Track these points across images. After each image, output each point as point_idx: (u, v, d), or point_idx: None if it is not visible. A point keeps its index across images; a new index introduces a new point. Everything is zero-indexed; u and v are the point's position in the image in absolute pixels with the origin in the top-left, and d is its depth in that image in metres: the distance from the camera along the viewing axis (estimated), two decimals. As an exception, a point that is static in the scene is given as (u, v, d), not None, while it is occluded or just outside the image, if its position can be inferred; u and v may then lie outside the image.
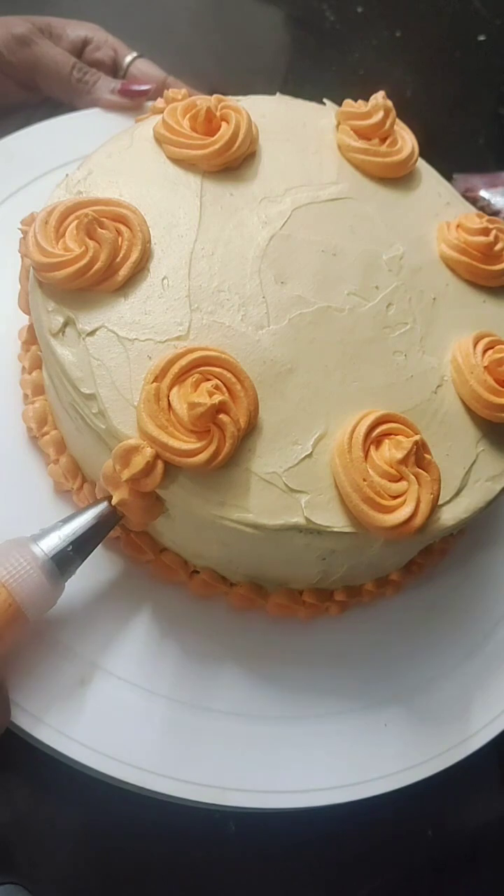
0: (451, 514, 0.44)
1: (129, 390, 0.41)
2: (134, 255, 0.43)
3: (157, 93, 0.62)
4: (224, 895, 0.47)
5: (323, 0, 0.95)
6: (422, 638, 0.51)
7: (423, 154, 0.56)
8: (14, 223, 0.47)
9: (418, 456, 0.42)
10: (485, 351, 0.47)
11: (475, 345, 0.47)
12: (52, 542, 0.40)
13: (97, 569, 0.45)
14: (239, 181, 0.50)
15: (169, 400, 0.40)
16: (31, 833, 0.45)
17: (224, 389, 0.40)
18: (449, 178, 0.60)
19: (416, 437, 0.42)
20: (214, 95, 0.52)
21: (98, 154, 0.49)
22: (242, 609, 0.47)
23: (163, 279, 0.45)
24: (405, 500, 0.41)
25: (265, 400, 0.42)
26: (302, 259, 0.48)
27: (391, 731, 0.47)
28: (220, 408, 0.39)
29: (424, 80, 0.91)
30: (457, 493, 0.44)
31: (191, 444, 0.39)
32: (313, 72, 0.89)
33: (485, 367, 0.47)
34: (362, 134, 0.55)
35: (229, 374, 0.41)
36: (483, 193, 0.78)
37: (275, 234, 0.48)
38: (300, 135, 0.55)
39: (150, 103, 0.62)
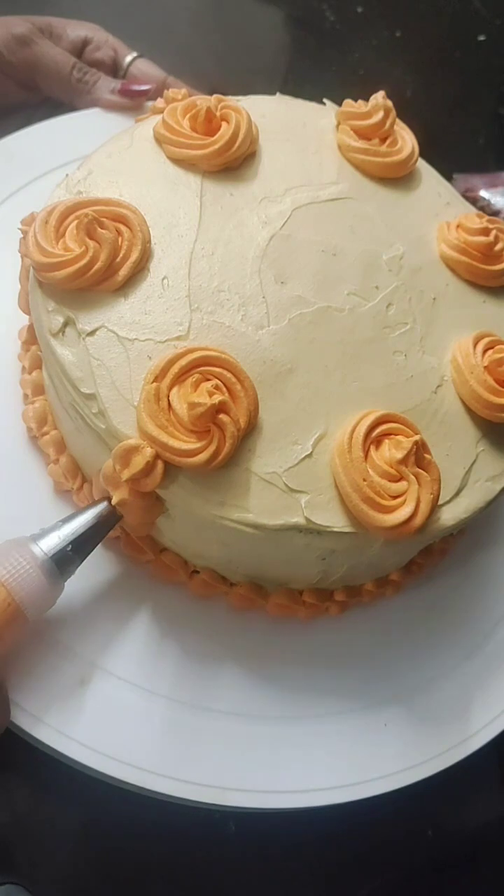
0: (451, 514, 0.44)
1: (129, 390, 0.41)
2: (134, 255, 0.43)
3: (157, 93, 0.62)
4: (224, 895, 0.47)
5: (323, 0, 0.95)
6: (422, 638, 0.51)
7: (423, 154, 0.56)
8: (14, 223, 0.47)
9: (418, 456, 0.42)
10: (485, 351, 0.47)
11: (475, 345, 0.47)
12: (52, 541, 0.40)
13: (97, 569, 0.45)
14: (239, 181, 0.50)
15: (169, 400, 0.40)
16: (31, 833, 0.45)
17: (224, 389, 0.40)
18: (449, 178, 0.60)
19: (416, 437, 0.42)
20: (214, 95, 0.52)
21: (98, 154, 0.49)
22: (242, 609, 0.47)
23: (163, 279, 0.45)
24: (405, 500, 0.41)
25: (265, 400, 0.42)
26: (302, 259, 0.48)
27: (391, 731, 0.47)
28: (220, 408, 0.39)
29: (424, 80, 0.91)
30: (457, 493, 0.44)
31: (191, 444, 0.39)
32: (313, 72, 0.89)
33: (485, 367, 0.47)
34: (362, 134, 0.55)
35: (229, 374, 0.41)
36: (483, 193, 0.78)
37: (275, 234, 0.48)
38: (300, 135, 0.55)
39: (150, 103, 0.62)
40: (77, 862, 0.46)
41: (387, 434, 0.43)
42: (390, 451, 0.42)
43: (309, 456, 0.42)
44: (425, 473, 0.42)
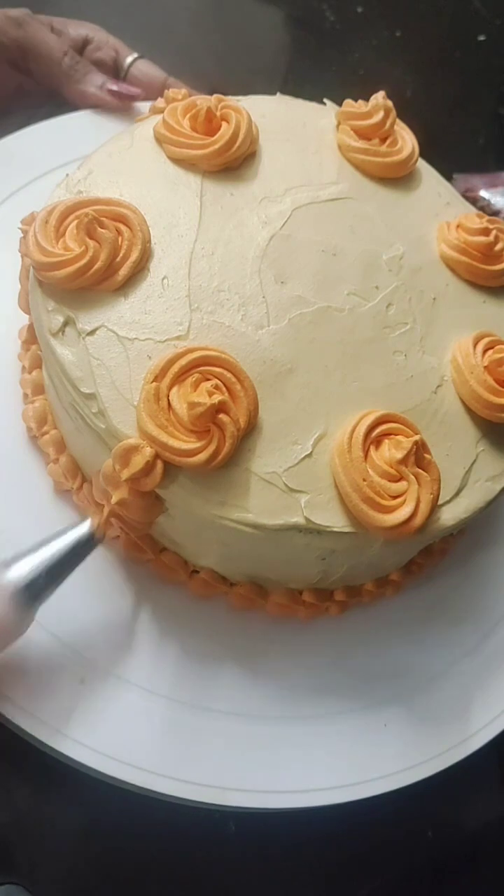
0: (450, 514, 0.44)
1: (128, 390, 0.41)
2: (134, 255, 0.44)
3: (157, 93, 0.62)
4: (224, 895, 0.47)
5: (323, 0, 0.95)
6: (422, 638, 0.51)
7: (423, 154, 0.56)
8: (14, 223, 0.47)
9: (418, 456, 0.42)
10: (485, 351, 0.47)
11: (475, 345, 0.47)
12: (23, 569, 0.38)
13: (97, 569, 0.45)
14: (239, 181, 0.50)
15: (169, 399, 0.40)
16: (31, 833, 0.45)
17: (224, 389, 0.40)
18: (449, 178, 0.60)
19: (416, 437, 0.42)
20: (214, 95, 0.52)
21: (98, 154, 0.49)
22: (242, 609, 0.47)
23: (163, 279, 0.45)
24: (405, 500, 0.41)
25: (265, 400, 0.42)
26: (302, 259, 0.48)
27: (391, 731, 0.47)
28: (220, 408, 0.39)
29: (424, 80, 0.91)
30: (457, 493, 0.44)
31: (191, 443, 0.39)
32: (313, 72, 0.88)
33: (485, 367, 0.47)
34: (362, 134, 0.55)
35: (229, 374, 0.41)
36: (483, 193, 0.78)
37: (275, 233, 0.48)
38: (300, 135, 0.55)
39: (149, 103, 0.62)
40: (77, 862, 0.45)
41: (387, 434, 0.43)
42: (390, 451, 0.42)
43: (309, 456, 0.42)
44: (425, 473, 0.42)
